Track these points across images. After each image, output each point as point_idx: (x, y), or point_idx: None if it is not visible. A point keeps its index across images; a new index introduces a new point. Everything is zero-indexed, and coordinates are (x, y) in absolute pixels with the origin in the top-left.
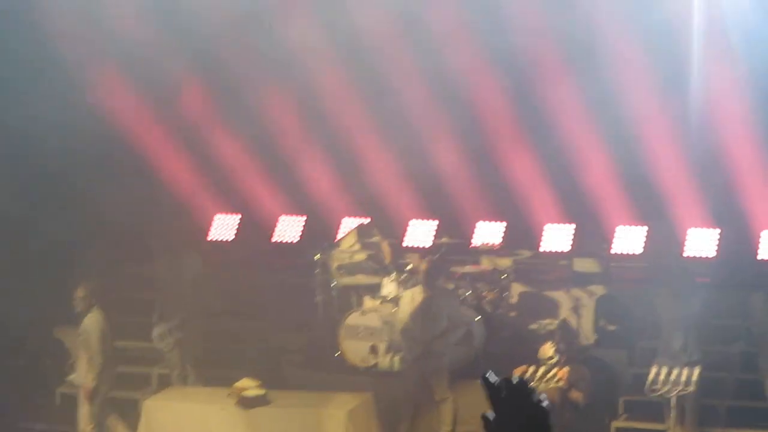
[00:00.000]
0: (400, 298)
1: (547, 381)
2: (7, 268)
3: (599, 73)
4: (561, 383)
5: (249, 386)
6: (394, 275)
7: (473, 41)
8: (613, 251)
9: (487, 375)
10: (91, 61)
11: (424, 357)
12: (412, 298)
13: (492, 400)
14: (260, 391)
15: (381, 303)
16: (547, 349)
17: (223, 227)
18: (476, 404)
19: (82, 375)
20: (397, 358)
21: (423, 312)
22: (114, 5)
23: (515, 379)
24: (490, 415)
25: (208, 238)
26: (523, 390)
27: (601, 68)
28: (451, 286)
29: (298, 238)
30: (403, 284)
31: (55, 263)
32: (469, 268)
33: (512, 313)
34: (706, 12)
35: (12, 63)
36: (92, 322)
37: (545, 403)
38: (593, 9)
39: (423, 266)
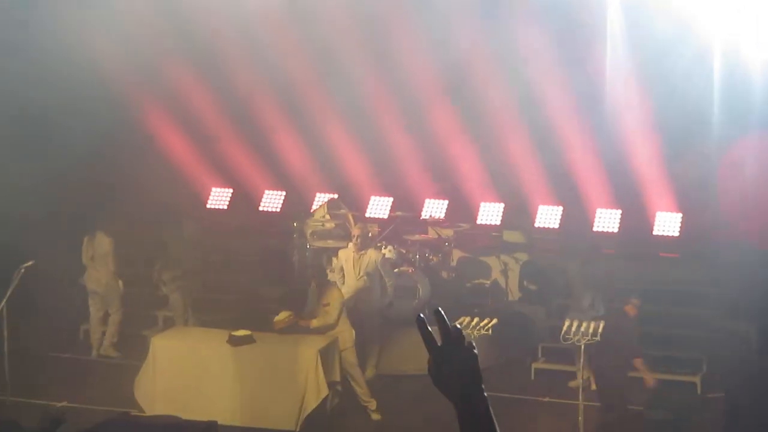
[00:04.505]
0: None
1: (479, 329)
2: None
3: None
4: (489, 332)
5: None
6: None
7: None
8: (535, 225)
9: (421, 316)
10: (110, 60)
11: (359, 303)
12: (346, 258)
13: (426, 344)
14: (247, 332)
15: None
16: None
17: (219, 198)
18: (423, 346)
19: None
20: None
21: (356, 268)
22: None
23: (453, 326)
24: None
25: (207, 207)
26: (458, 335)
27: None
28: (403, 250)
29: (280, 209)
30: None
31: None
32: (418, 237)
33: (452, 274)
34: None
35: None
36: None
37: (474, 349)
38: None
39: (356, 232)
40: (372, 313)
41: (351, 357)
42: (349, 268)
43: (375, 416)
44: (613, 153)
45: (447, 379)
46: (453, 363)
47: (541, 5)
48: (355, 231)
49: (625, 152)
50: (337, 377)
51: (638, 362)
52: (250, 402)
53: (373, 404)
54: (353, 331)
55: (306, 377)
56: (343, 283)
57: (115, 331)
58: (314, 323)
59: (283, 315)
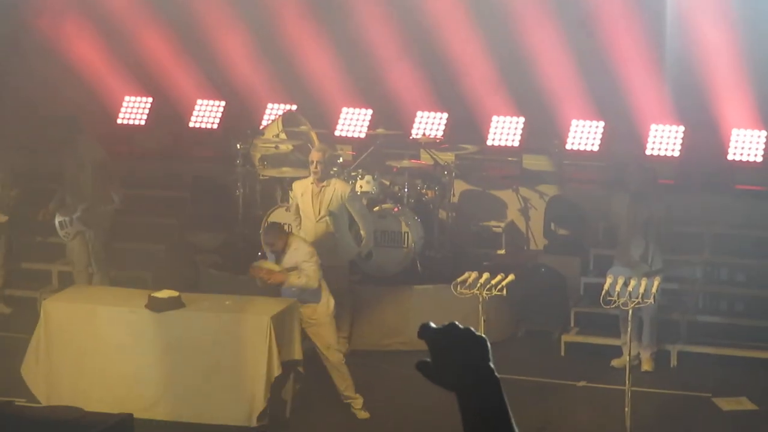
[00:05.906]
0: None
1: (489, 289)
2: None
3: None
4: (504, 292)
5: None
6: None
7: None
8: (567, 148)
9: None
10: None
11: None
12: (303, 192)
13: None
14: (173, 293)
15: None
16: None
17: (134, 110)
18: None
19: None
20: None
21: (315, 206)
22: None
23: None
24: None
25: (117, 122)
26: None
27: None
28: (386, 182)
29: (217, 125)
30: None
31: None
32: (406, 163)
33: (453, 214)
34: None
35: None
36: None
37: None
38: None
39: (314, 157)
40: (339, 267)
41: (328, 336)
42: (307, 205)
43: (362, 415)
44: (673, 49)
45: (445, 367)
46: (451, 348)
47: None
48: (314, 155)
49: (689, 48)
50: (297, 355)
51: None
52: (177, 388)
53: (358, 401)
54: (332, 301)
55: (255, 354)
56: (299, 227)
57: None
58: (293, 280)
59: (271, 265)
